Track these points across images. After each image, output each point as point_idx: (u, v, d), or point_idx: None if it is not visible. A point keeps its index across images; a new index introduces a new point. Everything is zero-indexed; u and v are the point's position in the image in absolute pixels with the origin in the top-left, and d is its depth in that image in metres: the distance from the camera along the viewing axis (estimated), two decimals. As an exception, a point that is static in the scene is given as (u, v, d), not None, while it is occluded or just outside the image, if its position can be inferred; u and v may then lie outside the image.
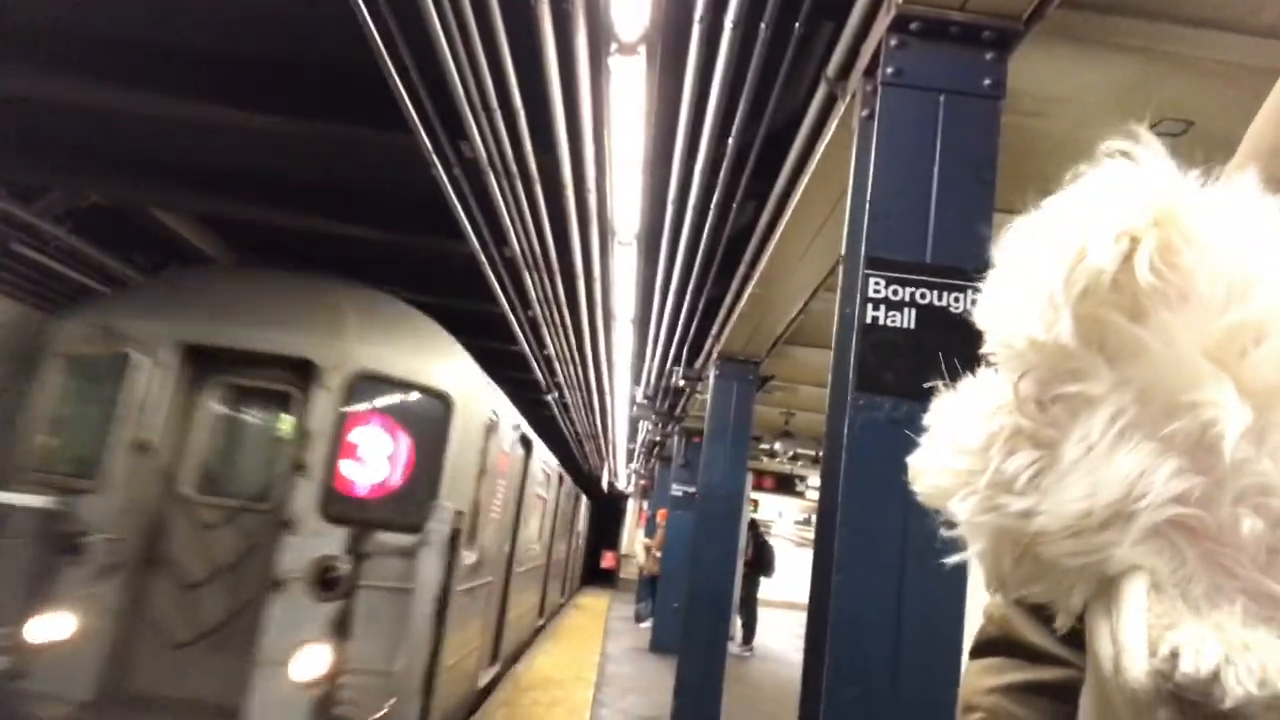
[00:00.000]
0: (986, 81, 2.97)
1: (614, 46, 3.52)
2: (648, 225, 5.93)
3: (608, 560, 25.44)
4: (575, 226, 6.07)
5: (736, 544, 9.44)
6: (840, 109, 3.61)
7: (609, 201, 5.51)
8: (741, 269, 6.27)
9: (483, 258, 6.85)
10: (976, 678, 0.74)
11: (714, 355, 8.45)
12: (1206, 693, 0.43)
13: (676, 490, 12.64)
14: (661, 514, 14.87)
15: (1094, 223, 0.50)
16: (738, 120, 4.02)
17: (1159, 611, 0.48)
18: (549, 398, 13.74)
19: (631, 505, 27.01)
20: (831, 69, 3.51)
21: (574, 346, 10.35)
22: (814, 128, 4.01)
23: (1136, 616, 0.48)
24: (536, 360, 11.03)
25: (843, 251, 3.17)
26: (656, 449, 17.10)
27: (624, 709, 8.65)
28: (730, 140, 4.33)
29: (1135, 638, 0.48)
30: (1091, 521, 0.49)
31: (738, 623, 13.13)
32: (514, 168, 5.08)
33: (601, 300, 8.04)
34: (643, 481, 23.52)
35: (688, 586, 8.42)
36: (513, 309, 8.46)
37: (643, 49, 3.48)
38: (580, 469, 24.66)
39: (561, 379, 12.42)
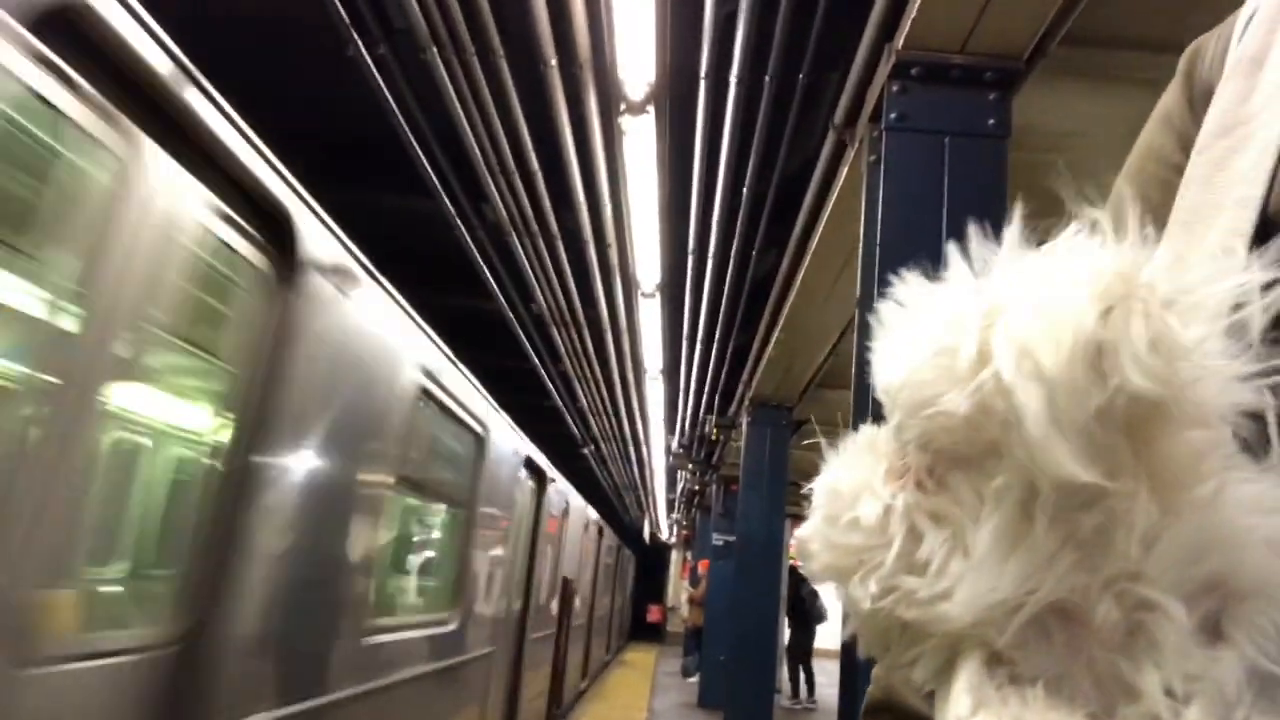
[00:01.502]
0: (991, 121, 2.99)
1: (623, 106, 3.60)
2: (670, 276, 5.99)
3: (653, 614, 25.12)
4: (599, 280, 6.15)
5: (778, 592, 9.30)
6: (850, 154, 3.64)
7: (630, 254, 5.58)
8: (766, 315, 6.29)
9: (510, 315, 6.95)
10: None
11: (745, 402, 8.42)
12: None
13: (717, 539, 12.50)
14: (703, 564, 14.70)
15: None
16: (750, 170, 4.07)
17: (977, 693, 0.46)
18: (585, 450, 13.76)
19: (675, 556, 26.76)
20: (838, 116, 3.55)
21: (606, 398, 10.39)
22: (826, 174, 4.04)
23: (959, 699, 0.47)
24: (570, 413, 11.09)
25: (857, 294, 3.18)
26: (696, 498, 16.98)
27: (671, 767, 8.47)
28: (745, 190, 4.38)
29: None
30: (992, 614, 0.45)
31: (784, 674, 12.85)
32: (534, 226, 5.18)
33: (630, 351, 8.10)
34: (684, 532, 23.31)
35: (731, 638, 8.29)
36: (543, 363, 8.55)
37: (651, 108, 3.56)
38: (621, 521, 24.54)
39: (596, 432, 12.45)
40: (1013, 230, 0.51)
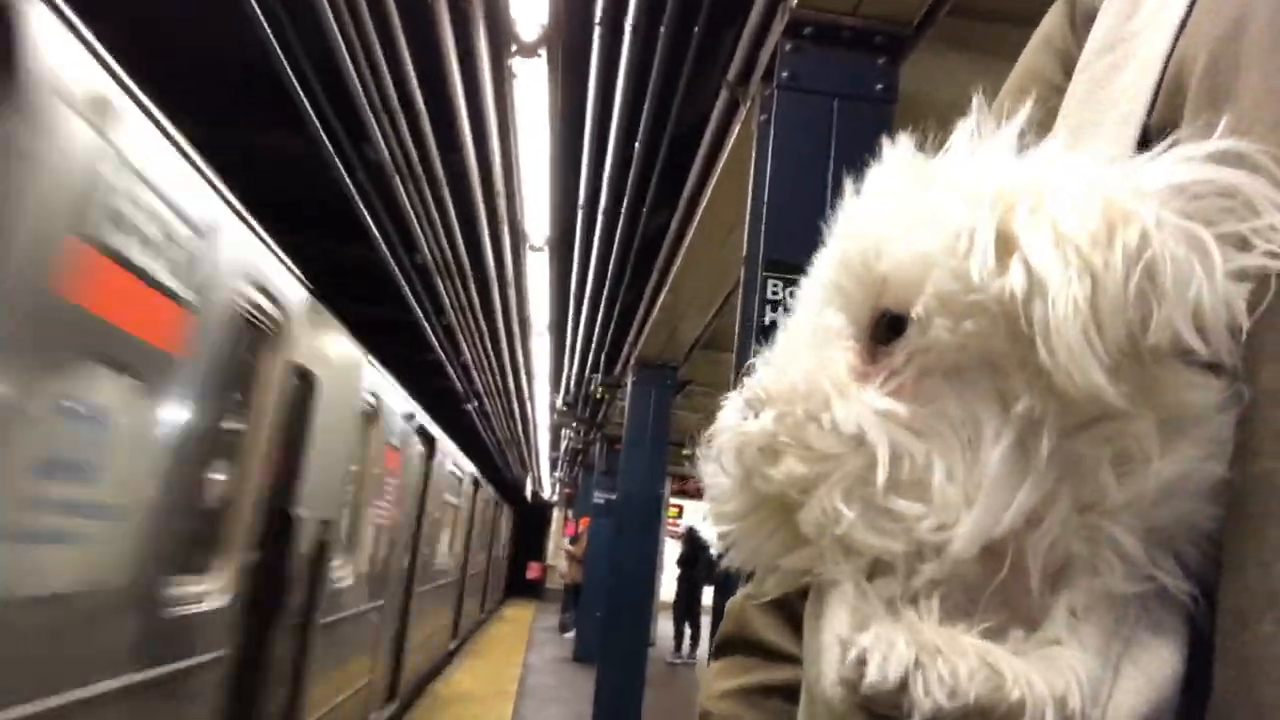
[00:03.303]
0: (879, 86, 3.02)
1: (514, 48, 3.47)
2: (559, 230, 5.89)
3: (533, 571, 25.18)
4: (486, 231, 6.00)
5: (656, 551, 9.43)
6: (742, 112, 3.63)
7: (519, 205, 5.45)
8: (655, 274, 6.28)
9: (393, 264, 6.71)
10: (712, 680, 0.69)
11: (631, 361, 8.44)
12: (894, 704, 0.38)
13: (599, 498, 12.59)
14: (584, 522, 14.79)
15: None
16: (643, 123, 4.02)
17: (859, 612, 0.42)
18: (468, 406, 13.57)
19: (556, 514, 26.85)
20: (731, 73, 3.53)
21: (491, 354, 10.24)
22: (718, 132, 4.02)
23: (837, 617, 0.43)
24: (453, 368, 10.88)
25: (744, 254, 3.18)
26: (580, 456, 17.03)
27: (544, 721, 8.56)
28: (638, 144, 4.32)
29: (830, 641, 0.43)
30: (987, 549, 0.41)
31: (664, 630, 13.14)
32: (419, 169, 4.99)
33: (517, 307, 7.97)
34: (567, 490, 23.40)
35: (608, 595, 8.38)
36: (426, 316, 8.32)
37: (544, 51, 3.44)
38: (503, 478, 24.41)
39: (480, 387, 12.27)
40: (1014, 123, 0.46)
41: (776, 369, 0.46)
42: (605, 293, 6.92)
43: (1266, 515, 0.40)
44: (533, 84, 3.81)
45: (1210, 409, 0.41)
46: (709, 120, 4.10)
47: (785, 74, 3.01)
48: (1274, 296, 0.39)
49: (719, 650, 0.70)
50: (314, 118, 4.55)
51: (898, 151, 0.47)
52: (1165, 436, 0.40)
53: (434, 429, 8.02)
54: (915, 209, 0.43)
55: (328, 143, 4.81)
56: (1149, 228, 0.37)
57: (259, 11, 3.70)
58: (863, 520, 0.42)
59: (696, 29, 3.37)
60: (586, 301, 7.35)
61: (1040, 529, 0.41)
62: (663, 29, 3.30)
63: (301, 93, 4.33)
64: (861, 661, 0.38)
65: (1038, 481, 0.40)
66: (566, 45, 3.59)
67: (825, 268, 0.48)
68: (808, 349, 0.46)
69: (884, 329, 0.44)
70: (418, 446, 7.27)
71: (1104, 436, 0.40)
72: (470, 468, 12.01)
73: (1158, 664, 0.41)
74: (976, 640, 0.40)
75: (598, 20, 3.35)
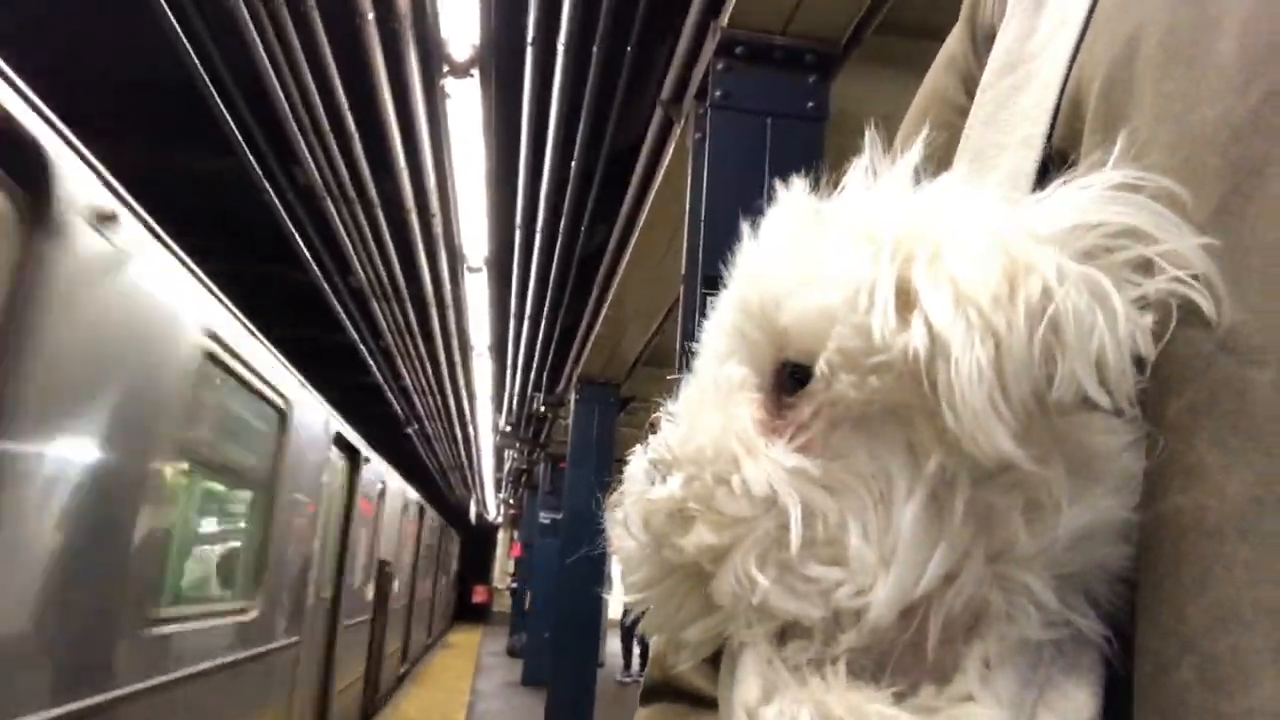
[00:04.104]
0: (810, 104, 3.07)
1: (446, 68, 3.44)
2: (497, 249, 5.85)
3: (479, 595, 24.84)
4: (423, 252, 5.92)
5: (604, 569, 9.37)
6: (677, 131, 3.65)
7: (455, 226, 5.40)
8: (595, 291, 6.27)
9: (326, 286, 6.58)
10: None
11: (574, 379, 8.40)
12: None
13: (544, 518, 12.48)
14: (515, 549, 14.62)
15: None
16: (579, 142, 4.01)
17: (767, 680, 0.41)
18: (409, 430, 13.36)
19: (502, 536, 26.55)
20: (665, 92, 3.55)
21: (431, 376, 10.10)
22: (654, 150, 4.04)
23: (745, 684, 0.42)
24: (392, 392, 10.70)
25: (682, 271, 3.19)
26: (524, 477, 16.87)
27: (495, 747, 8.41)
28: (573, 163, 4.32)
29: (740, 711, 0.42)
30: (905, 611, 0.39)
31: (612, 650, 13.05)
32: (351, 192, 4.90)
33: (456, 328, 7.88)
34: (512, 511, 23.17)
35: (556, 615, 8.30)
36: (362, 339, 8.18)
37: (476, 71, 3.42)
38: (446, 501, 24.06)
39: (421, 411, 12.09)
40: (911, 156, 0.44)
41: (683, 427, 0.44)
42: (545, 311, 6.89)
43: (1178, 556, 0.39)
44: (466, 104, 3.78)
45: (1118, 451, 0.40)
46: (645, 138, 4.12)
47: (718, 93, 3.04)
48: (1176, 328, 0.39)
49: (645, 697, 0.68)
50: (241, 140, 4.44)
51: (792, 193, 0.45)
52: (1075, 483, 0.39)
53: (391, 474, 8.03)
54: (813, 256, 0.42)
55: (256, 165, 4.71)
56: (1050, 281, 0.36)
57: (183, 36, 3.60)
58: (778, 586, 0.40)
59: (630, 48, 3.38)
60: (527, 320, 7.30)
61: (955, 585, 0.39)
62: (595, 48, 3.31)
63: (228, 115, 4.23)
64: None
65: (953, 539, 0.39)
66: (499, 65, 3.57)
67: (726, 313, 0.46)
68: (712, 404, 0.44)
69: (788, 379, 0.42)
70: (378, 488, 7.56)
71: (1013, 483, 0.39)
72: (415, 496, 11.78)
73: (1074, 709, 0.40)
74: (884, 707, 0.38)
75: (529, 40, 3.34)
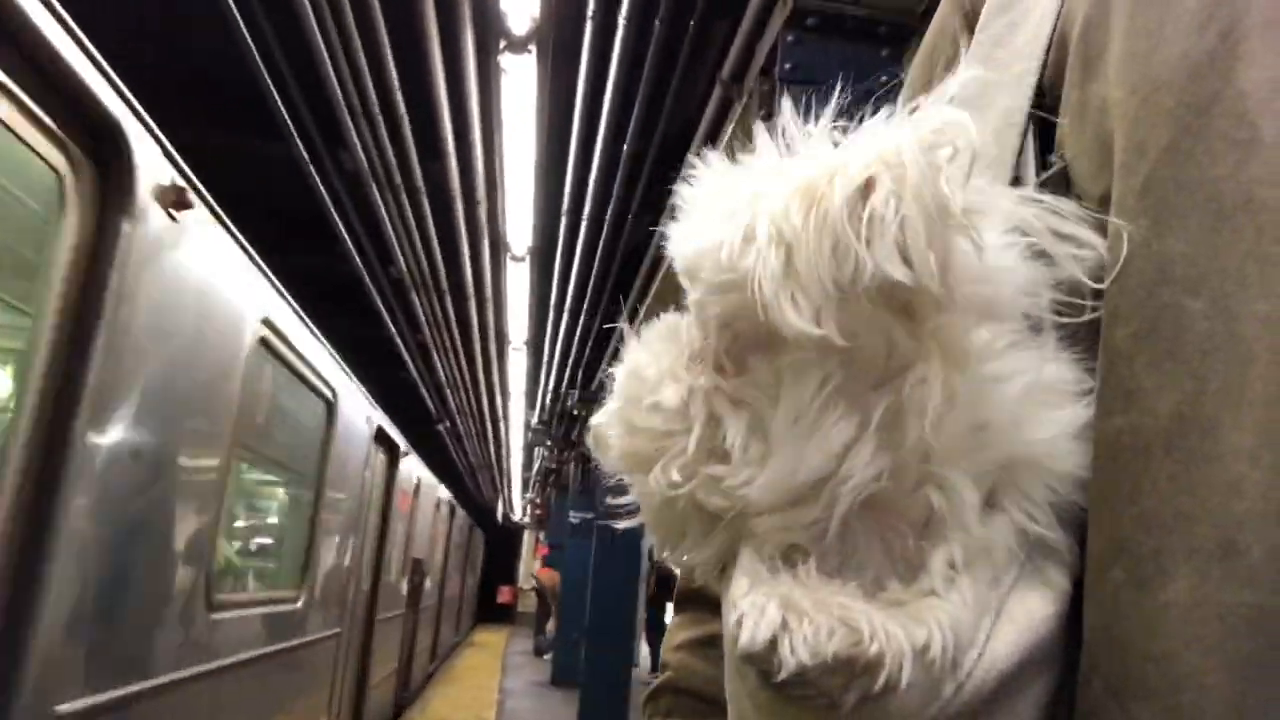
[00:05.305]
0: (884, 78, 2.95)
1: (503, 43, 3.36)
2: (542, 239, 5.77)
3: (504, 595, 24.79)
4: (465, 241, 5.86)
5: (638, 570, 9.28)
6: (737, 109, 3.55)
7: (501, 213, 5.33)
8: (637, 285, 6.17)
9: (366, 277, 6.53)
10: (670, 634, 0.75)
11: (610, 376, 8.31)
12: (766, 662, 0.41)
13: (574, 517, 12.38)
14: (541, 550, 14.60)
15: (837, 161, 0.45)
16: (633, 123, 3.92)
17: (754, 575, 0.46)
18: (440, 427, 13.33)
19: (527, 537, 26.49)
20: (727, 70, 3.45)
21: (466, 372, 10.05)
22: (710, 131, 3.94)
23: (737, 581, 0.47)
24: (426, 388, 10.67)
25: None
26: (553, 476, 16.80)
27: (525, 746, 8.32)
28: (625, 145, 4.23)
29: (729, 603, 0.47)
30: (794, 497, 0.45)
31: (644, 651, 12.92)
32: (398, 179, 4.84)
33: (494, 321, 7.82)
34: (538, 511, 23.11)
35: (589, 615, 8.20)
36: (400, 333, 8.14)
37: (534, 46, 3.34)
38: (474, 500, 24.06)
39: (453, 407, 12.06)
40: (824, 121, 0.52)
41: (629, 365, 0.54)
42: (586, 304, 6.80)
43: (1116, 470, 0.44)
44: (521, 82, 3.70)
45: (997, 351, 0.46)
46: (699, 122, 4.02)
47: (788, 66, 2.94)
48: (1124, 263, 0.44)
49: (678, 605, 0.76)
50: (290, 123, 4.39)
51: (709, 165, 0.52)
52: (954, 385, 0.44)
53: (423, 470, 8.30)
54: (706, 217, 0.49)
55: (303, 150, 4.66)
56: (837, 201, 0.42)
57: (234, 9, 3.56)
58: (699, 485, 0.48)
59: (692, 23, 3.29)
60: (566, 314, 7.22)
61: (841, 472, 0.44)
62: (658, 20, 3.22)
63: (278, 96, 4.18)
64: (738, 624, 0.42)
65: (832, 432, 0.44)
66: (557, 40, 3.49)
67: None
68: (663, 342, 0.53)
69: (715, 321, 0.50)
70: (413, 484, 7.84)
71: (898, 390, 0.44)
72: (447, 495, 11.75)
73: (1036, 608, 0.45)
74: (844, 598, 0.43)
75: (590, 14, 3.25)
